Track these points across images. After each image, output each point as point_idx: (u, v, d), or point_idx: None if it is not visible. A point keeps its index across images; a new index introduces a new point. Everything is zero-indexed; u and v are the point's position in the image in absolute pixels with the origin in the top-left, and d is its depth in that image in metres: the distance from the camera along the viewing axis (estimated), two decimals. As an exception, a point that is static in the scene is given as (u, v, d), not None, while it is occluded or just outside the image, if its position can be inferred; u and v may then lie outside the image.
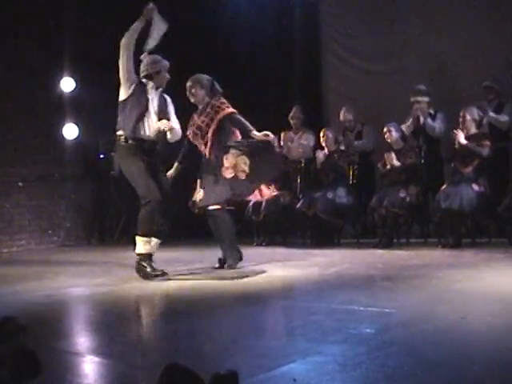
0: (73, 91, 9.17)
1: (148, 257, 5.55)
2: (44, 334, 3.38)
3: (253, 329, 3.56)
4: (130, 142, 5.56)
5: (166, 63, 5.81)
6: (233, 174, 5.81)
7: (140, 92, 5.64)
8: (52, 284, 5.45)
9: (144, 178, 5.50)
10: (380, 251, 7.15)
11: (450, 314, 3.61)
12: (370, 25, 9.37)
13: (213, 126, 5.96)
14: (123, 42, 5.60)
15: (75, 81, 9.13)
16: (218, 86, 6.13)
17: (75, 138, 9.27)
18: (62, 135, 9.24)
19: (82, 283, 5.55)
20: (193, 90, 6.09)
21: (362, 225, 8.43)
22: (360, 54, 9.57)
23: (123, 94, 5.64)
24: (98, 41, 9.20)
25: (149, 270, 5.47)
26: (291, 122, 8.76)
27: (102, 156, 9.55)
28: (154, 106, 5.68)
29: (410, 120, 8.07)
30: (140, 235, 5.54)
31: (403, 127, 7.99)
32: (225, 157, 5.84)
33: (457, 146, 7.26)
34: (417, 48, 8.97)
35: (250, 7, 9.63)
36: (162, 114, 5.72)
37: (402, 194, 7.47)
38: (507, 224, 7.05)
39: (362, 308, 3.94)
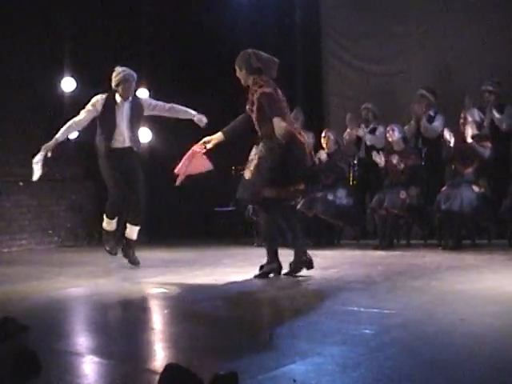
0: (73, 91, 9.17)
1: (111, 233, 6.49)
2: (44, 334, 3.38)
3: (252, 329, 3.56)
4: (104, 152, 6.27)
5: (128, 74, 6.24)
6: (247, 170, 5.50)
7: (108, 108, 6.24)
8: (52, 284, 5.45)
9: (112, 180, 6.30)
10: (380, 252, 7.15)
11: (450, 315, 3.61)
12: (372, 26, 9.38)
13: (254, 108, 5.43)
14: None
15: (76, 81, 9.13)
16: (254, 61, 5.46)
17: (76, 139, 9.26)
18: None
19: (83, 283, 5.55)
20: (237, 75, 5.58)
21: (362, 226, 8.45)
22: (361, 55, 9.58)
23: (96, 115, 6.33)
24: (99, 41, 9.22)
25: (107, 247, 6.52)
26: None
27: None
28: (123, 119, 6.26)
29: (411, 122, 8.10)
30: (105, 216, 6.47)
31: (406, 129, 8.01)
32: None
33: (452, 144, 7.23)
34: (418, 49, 8.98)
35: (251, 9, 9.65)
36: (135, 120, 6.34)
37: (403, 196, 7.47)
38: (507, 225, 7.05)
39: (361, 309, 3.94)
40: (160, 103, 6.55)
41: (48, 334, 3.47)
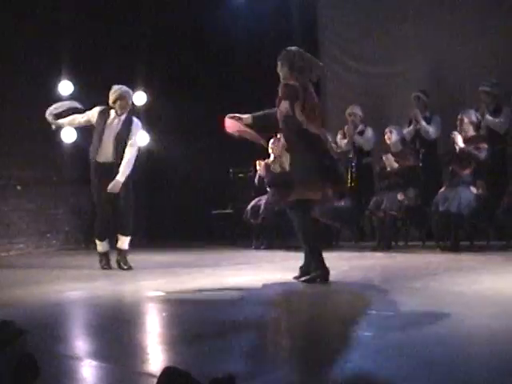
0: (71, 95, 9.16)
1: (103, 255, 6.70)
2: (42, 337, 3.37)
3: (251, 332, 3.56)
4: (93, 161, 6.57)
5: (124, 91, 6.55)
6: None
7: (100, 122, 6.55)
8: (51, 287, 5.45)
9: (97, 198, 6.62)
10: (378, 254, 7.16)
11: (449, 316, 3.62)
12: (370, 28, 9.38)
13: (277, 100, 5.33)
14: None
15: (73, 84, 9.13)
16: (297, 60, 5.40)
17: (73, 142, 9.26)
18: (61, 139, 9.24)
19: (81, 287, 5.54)
20: (278, 71, 5.47)
21: (360, 228, 8.46)
22: (359, 57, 9.59)
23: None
24: (97, 44, 9.23)
25: (101, 265, 6.67)
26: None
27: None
28: (111, 133, 6.50)
29: (411, 126, 8.11)
30: (96, 239, 6.76)
31: (405, 132, 8.03)
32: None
33: (457, 149, 7.26)
34: (416, 51, 8.98)
35: (249, 10, 9.65)
36: (122, 136, 6.48)
37: (400, 197, 7.48)
38: (505, 226, 7.06)
39: (360, 311, 3.94)
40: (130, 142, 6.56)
41: (46, 337, 3.47)
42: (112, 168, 6.45)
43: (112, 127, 6.52)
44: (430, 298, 4.27)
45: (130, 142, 6.49)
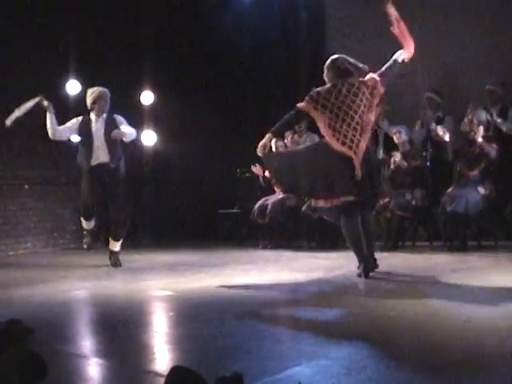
0: (78, 94, 9.17)
1: (88, 231, 6.99)
2: (49, 336, 3.38)
3: (258, 332, 3.56)
4: (86, 168, 6.67)
5: (102, 91, 6.63)
6: None
7: (84, 129, 6.63)
8: (58, 287, 5.46)
9: (87, 190, 6.73)
10: (385, 254, 7.13)
11: (456, 316, 3.61)
12: (376, 27, 9.35)
13: None
14: (53, 137, 6.80)
15: (81, 83, 9.14)
16: (341, 63, 5.51)
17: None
18: (68, 138, 9.25)
19: (88, 286, 5.56)
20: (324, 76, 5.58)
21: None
22: (365, 56, 9.51)
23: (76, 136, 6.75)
24: (104, 43, 9.24)
25: (84, 242, 7.03)
26: (295, 126, 8.76)
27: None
28: (99, 135, 6.58)
29: (418, 127, 8.08)
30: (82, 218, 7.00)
31: (416, 132, 8.01)
32: None
33: (470, 139, 7.19)
34: (424, 51, 8.94)
35: (254, 9, 9.65)
36: (109, 135, 6.54)
37: (408, 197, 7.46)
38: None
39: (366, 311, 3.94)
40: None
41: (53, 336, 3.47)
42: (107, 168, 6.57)
43: (98, 131, 6.61)
44: (437, 298, 4.26)
45: (121, 127, 6.60)
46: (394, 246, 7.47)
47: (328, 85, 5.43)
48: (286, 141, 8.69)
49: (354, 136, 5.22)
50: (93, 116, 6.68)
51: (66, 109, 9.20)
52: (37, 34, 8.69)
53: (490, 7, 8.42)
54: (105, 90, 6.70)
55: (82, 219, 6.96)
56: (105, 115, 6.67)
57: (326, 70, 5.54)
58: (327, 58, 5.68)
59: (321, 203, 5.43)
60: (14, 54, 8.47)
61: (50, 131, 6.67)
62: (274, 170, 5.73)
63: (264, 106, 8.90)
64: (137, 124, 7.63)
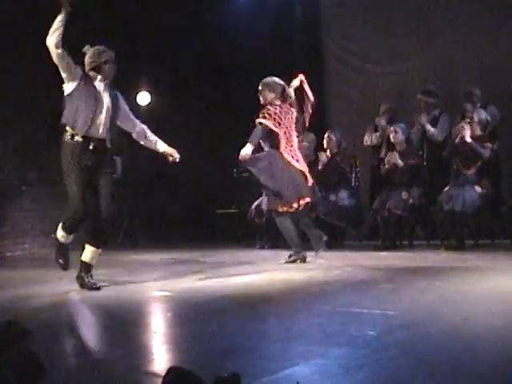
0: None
1: (65, 247, 5.47)
2: (47, 337, 3.38)
3: (255, 331, 3.56)
4: (76, 139, 5.00)
5: (112, 53, 5.28)
6: None
7: (88, 86, 5.08)
8: (55, 288, 5.45)
9: (79, 190, 5.03)
10: (383, 253, 7.14)
11: (454, 315, 3.61)
12: (373, 26, 9.37)
13: None
14: (50, 41, 5.09)
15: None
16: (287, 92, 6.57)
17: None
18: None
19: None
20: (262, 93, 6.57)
21: (367, 227, 8.45)
22: (362, 55, 9.57)
23: (69, 88, 5.08)
24: (100, 43, 9.22)
25: (61, 261, 5.48)
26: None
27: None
28: (106, 100, 5.13)
29: (417, 129, 8.11)
30: (62, 229, 5.28)
31: (412, 132, 8.04)
32: None
33: (457, 141, 7.25)
34: (420, 49, 8.97)
35: (251, 9, 9.65)
36: (114, 110, 5.18)
37: (405, 196, 7.47)
38: (510, 224, 7.06)
39: (364, 310, 3.94)
40: (129, 112, 5.46)
41: (51, 337, 3.47)
42: (103, 146, 5.15)
43: (104, 98, 5.17)
44: (435, 297, 4.26)
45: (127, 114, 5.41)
46: (391, 245, 7.48)
47: (276, 105, 6.41)
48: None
49: (295, 151, 6.44)
50: (98, 78, 5.17)
51: (62, 110, 9.21)
52: (35, 33, 8.67)
53: (487, 4, 8.44)
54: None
55: (60, 230, 5.30)
56: (108, 83, 5.21)
57: (267, 89, 6.50)
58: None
59: (290, 207, 6.35)
60: (13, 54, 8.46)
61: (54, 36, 5.17)
62: (258, 172, 6.39)
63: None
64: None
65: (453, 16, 8.67)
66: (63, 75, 5.12)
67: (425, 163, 7.99)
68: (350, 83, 9.62)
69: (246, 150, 6.24)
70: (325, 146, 8.25)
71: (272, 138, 6.37)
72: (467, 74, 8.46)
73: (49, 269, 7.00)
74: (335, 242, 8.09)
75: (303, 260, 6.43)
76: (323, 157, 8.16)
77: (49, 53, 5.14)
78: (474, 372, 2.59)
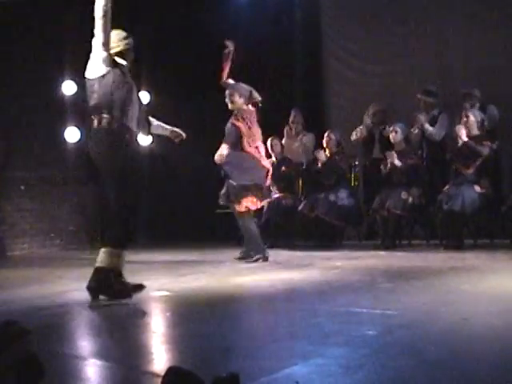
0: (74, 94, 9.17)
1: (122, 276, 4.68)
2: (47, 337, 3.37)
3: (255, 331, 3.56)
4: (115, 126, 4.35)
5: (132, 40, 4.75)
6: None
7: (120, 70, 4.49)
8: (54, 288, 5.45)
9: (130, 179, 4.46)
10: (382, 253, 7.15)
11: (453, 315, 3.61)
12: (372, 27, 9.37)
13: None
14: (103, 4, 4.36)
15: (76, 84, 9.14)
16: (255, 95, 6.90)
17: (77, 142, 9.27)
18: (64, 138, 9.25)
19: (84, 287, 5.53)
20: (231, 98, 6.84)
21: (366, 226, 8.45)
22: (361, 55, 9.57)
23: (102, 69, 4.38)
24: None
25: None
26: (292, 125, 8.78)
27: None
28: (135, 89, 4.60)
29: (416, 129, 8.11)
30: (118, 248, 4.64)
31: (411, 132, 8.04)
32: None
33: (459, 144, 7.26)
34: (419, 49, 8.97)
35: (250, 9, 9.65)
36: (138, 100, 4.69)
37: (404, 196, 7.47)
38: (510, 223, 7.06)
39: (364, 310, 3.94)
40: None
41: (50, 337, 3.47)
42: (135, 140, 4.67)
43: (133, 85, 4.65)
44: (434, 297, 4.26)
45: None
46: (390, 245, 7.48)
47: (245, 110, 6.72)
48: (282, 141, 8.71)
49: (260, 153, 6.69)
50: (125, 63, 4.57)
51: (62, 109, 9.23)
52: (34, 34, 8.68)
53: (487, 2, 8.44)
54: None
55: (120, 251, 4.58)
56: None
57: (237, 94, 6.79)
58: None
59: (253, 205, 6.70)
60: (11, 55, 8.46)
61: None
62: (232, 171, 6.74)
63: (261, 105, 8.89)
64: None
65: (453, 16, 8.67)
66: (100, 49, 4.47)
67: (424, 163, 7.99)
68: (350, 83, 9.61)
69: (222, 151, 6.64)
70: (324, 146, 8.25)
71: (242, 139, 6.66)
72: (467, 74, 8.46)
73: (48, 268, 7.01)
74: (334, 242, 8.10)
75: (266, 259, 6.72)
76: (322, 155, 8.15)
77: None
78: (473, 372, 2.59)
